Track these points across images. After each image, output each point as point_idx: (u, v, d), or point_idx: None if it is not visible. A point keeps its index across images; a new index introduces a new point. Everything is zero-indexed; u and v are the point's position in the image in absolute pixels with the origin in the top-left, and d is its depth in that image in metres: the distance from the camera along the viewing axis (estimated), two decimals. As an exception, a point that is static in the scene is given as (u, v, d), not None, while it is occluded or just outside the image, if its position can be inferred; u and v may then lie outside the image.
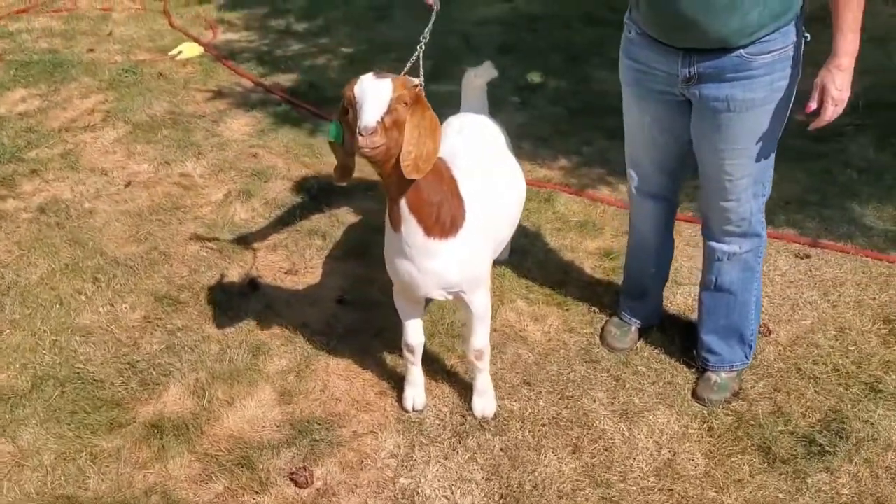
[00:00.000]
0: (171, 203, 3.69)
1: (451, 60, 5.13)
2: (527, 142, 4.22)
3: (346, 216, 3.59)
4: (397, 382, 2.68)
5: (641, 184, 2.59)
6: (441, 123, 2.10)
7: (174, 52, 5.26)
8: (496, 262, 3.01)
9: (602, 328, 2.91)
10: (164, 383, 2.70)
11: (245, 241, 3.41)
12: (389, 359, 2.79)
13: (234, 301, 3.07)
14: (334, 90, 4.77)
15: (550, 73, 5.04)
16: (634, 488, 2.33)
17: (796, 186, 3.73)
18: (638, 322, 2.86)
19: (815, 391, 2.64)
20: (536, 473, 2.37)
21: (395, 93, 1.94)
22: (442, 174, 2.17)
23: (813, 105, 2.14)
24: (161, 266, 3.27)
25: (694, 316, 2.96)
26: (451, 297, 2.35)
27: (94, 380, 2.72)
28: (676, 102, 2.35)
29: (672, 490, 2.32)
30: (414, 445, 2.47)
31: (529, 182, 3.12)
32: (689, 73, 2.23)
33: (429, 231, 2.15)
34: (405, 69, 2.11)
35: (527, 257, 3.28)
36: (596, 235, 3.44)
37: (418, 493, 2.31)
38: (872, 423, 2.50)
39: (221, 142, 4.22)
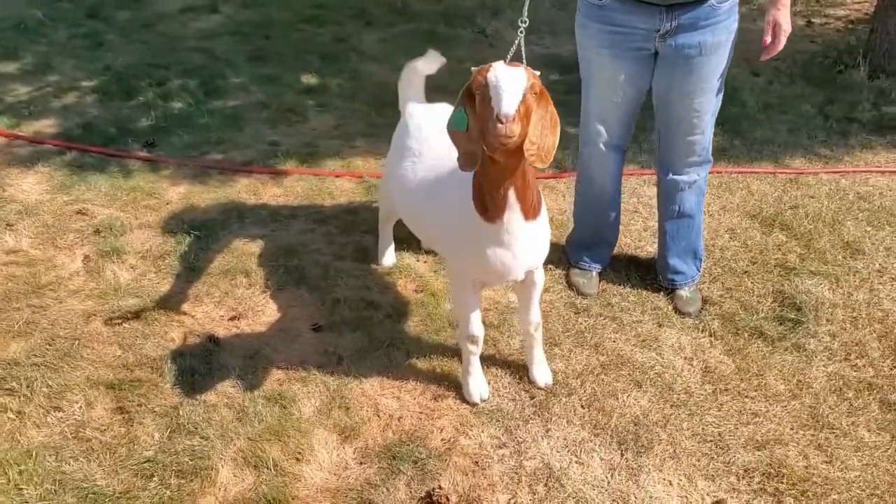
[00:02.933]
0: (28, 286, 3.07)
1: (214, 76, 4.88)
2: (359, 140, 4.23)
3: (245, 247, 3.32)
4: (443, 382, 2.64)
5: (609, 138, 2.84)
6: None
7: None
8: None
9: (567, 280, 3.13)
10: (208, 466, 2.34)
11: (159, 302, 3.00)
12: (420, 364, 2.72)
13: (207, 362, 2.72)
14: (112, 126, 4.27)
15: (319, 74, 5.01)
16: (703, 397, 2.62)
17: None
18: (598, 266, 3.13)
19: (752, 282, 3.15)
20: (628, 415, 2.54)
21: (528, 81, 1.94)
22: None
23: (768, 39, 2.56)
24: (81, 352, 2.75)
25: (631, 250, 3.33)
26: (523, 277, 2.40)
27: (119, 493, 2.27)
28: (647, 57, 2.64)
29: (727, 389, 2.65)
30: (510, 430, 2.48)
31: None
32: (670, 25, 2.53)
33: (526, 215, 2.19)
34: (508, 58, 2.10)
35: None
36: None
37: (550, 467, 2.35)
38: (809, 292, 3.07)
39: (26, 207, 3.57)
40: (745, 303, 3.04)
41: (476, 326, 2.48)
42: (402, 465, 2.35)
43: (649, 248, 3.35)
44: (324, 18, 5.88)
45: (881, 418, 2.54)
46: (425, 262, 3.24)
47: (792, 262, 3.27)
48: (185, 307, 2.97)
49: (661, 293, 3.08)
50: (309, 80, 4.94)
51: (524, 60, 2.09)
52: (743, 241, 3.40)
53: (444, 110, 2.79)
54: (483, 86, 1.93)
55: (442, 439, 2.45)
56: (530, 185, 2.15)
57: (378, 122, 4.43)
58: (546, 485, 2.31)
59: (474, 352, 2.52)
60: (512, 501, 2.27)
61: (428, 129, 2.63)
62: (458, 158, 2.12)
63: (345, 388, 2.62)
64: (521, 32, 2.21)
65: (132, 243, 3.33)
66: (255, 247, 3.31)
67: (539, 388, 2.62)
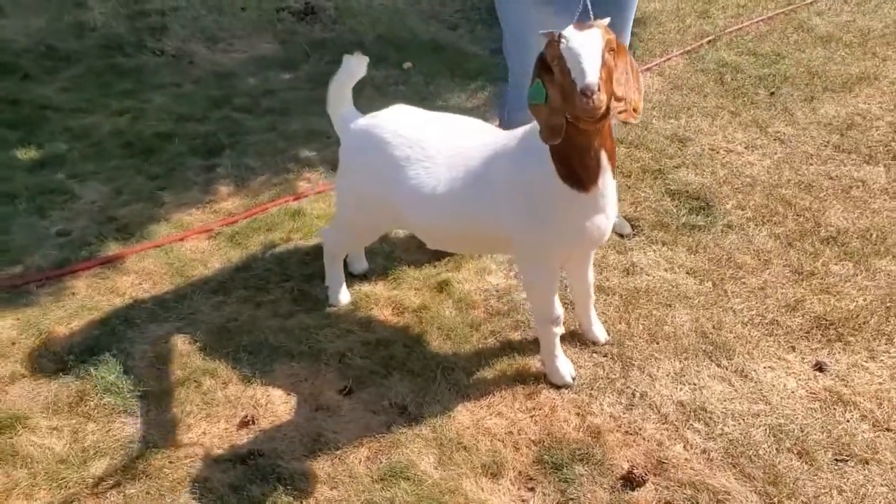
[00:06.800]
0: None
1: None
2: (166, 194, 3.63)
3: (170, 348, 2.71)
4: (524, 379, 2.53)
5: None
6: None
7: None
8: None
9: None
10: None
11: (139, 449, 2.36)
12: (485, 374, 2.55)
13: (276, 478, 2.24)
14: None
15: (34, 145, 4.12)
16: (714, 293, 2.86)
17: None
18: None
19: (643, 192, 3.46)
20: (689, 332, 2.68)
21: (604, 41, 1.91)
22: None
23: None
24: (106, 549, 2.09)
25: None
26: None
27: None
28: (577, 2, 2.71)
29: (721, 279, 2.93)
30: (621, 391, 2.48)
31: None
32: None
33: (613, 174, 2.18)
34: (576, 15, 2.01)
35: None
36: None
37: (684, 404, 2.42)
38: (689, 182, 3.48)
39: None
40: (657, 208, 3.33)
41: (559, 306, 2.40)
42: (576, 468, 2.23)
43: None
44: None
45: (831, 253, 3.03)
46: (374, 283, 2.98)
47: (649, 164, 3.64)
48: (176, 439, 2.38)
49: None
50: (27, 154, 4.02)
51: (591, 16, 2.05)
52: (602, 163, 3.67)
53: (401, 111, 2.56)
54: (559, 57, 1.87)
55: (575, 428, 2.37)
56: (614, 144, 2.14)
57: (158, 171, 3.83)
58: (699, 418, 2.37)
59: (558, 333, 2.45)
60: (686, 447, 2.29)
61: (414, 131, 2.42)
62: (541, 132, 2.03)
63: (442, 430, 2.36)
64: None
65: (23, 403, 2.53)
66: (184, 343, 2.73)
67: (602, 345, 2.64)
